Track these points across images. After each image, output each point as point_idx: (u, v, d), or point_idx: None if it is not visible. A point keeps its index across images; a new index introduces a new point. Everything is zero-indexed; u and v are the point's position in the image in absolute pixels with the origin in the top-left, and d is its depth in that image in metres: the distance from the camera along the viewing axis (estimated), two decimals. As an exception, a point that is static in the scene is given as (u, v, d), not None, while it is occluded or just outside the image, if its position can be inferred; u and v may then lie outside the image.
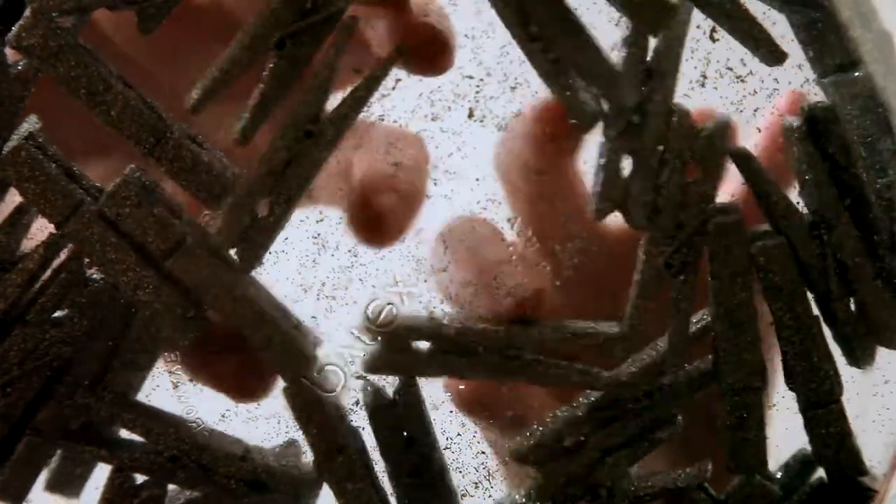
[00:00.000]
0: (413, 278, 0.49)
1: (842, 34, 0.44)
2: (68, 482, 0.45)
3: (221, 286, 0.42)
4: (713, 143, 0.44)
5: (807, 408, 0.45)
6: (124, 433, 0.45)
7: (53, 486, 0.45)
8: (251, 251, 0.43)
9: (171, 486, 0.45)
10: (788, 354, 0.44)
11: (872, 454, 0.48)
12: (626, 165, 0.45)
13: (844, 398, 0.47)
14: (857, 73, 0.45)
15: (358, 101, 0.44)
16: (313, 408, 0.44)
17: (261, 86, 0.42)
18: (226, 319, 0.43)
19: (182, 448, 0.44)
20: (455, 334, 0.45)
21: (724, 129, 0.44)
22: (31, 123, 0.43)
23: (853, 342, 0.45)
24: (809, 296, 0.45)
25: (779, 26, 0.45)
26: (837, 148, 0.44)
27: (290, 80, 0.42)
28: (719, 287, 0.44)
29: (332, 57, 0.43)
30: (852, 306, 0.45)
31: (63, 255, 0.43)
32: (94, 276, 0.44)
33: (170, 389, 0.47)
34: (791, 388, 0.45)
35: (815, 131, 0.44)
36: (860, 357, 0.45)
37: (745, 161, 0.44)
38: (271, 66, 0.42)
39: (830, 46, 0.45)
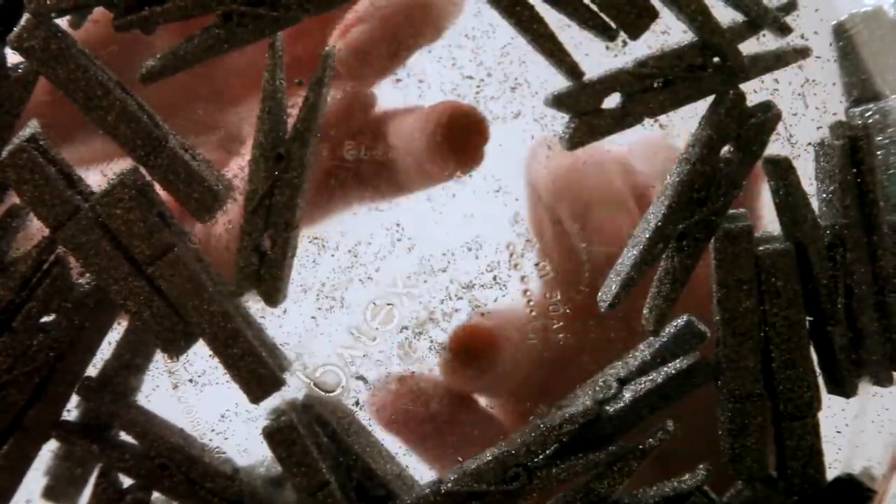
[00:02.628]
0: (413, 279, 0.49)
1: (882, 66, 0.45)
2: (65, 490, 0.46)
3: (200, 299, 0.43)
4: (762, 132, 0.44)
5: (781, 418, 0.45)
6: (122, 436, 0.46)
7: (50, 494, 0.46)
8: (272, 287, 0.44)
9: (156, 494, 0.45)
10: (775, 361, 0.44)
11: (872, 454, 0.48)
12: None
13: (844, 399, 0.47)
14: (892, 104, 0.45)
15: (312, 109, 0.43)
16: (293, 446, 0.44)
17: (187, 39, 0.42)
18: (200, 333, 0.43)
19: (174, 458, 0.44)
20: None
21: (775, 121, 0.44)
22: (33, 126, 0.43)
23: (842, 370, 0.45)
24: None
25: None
26: (864, 172, 0.44)
27: (215, 51, 0.42)
28: (725, 294, 0.44)
29: (272, 79, 0.43)
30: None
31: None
32: (80, 280, 0.44)
33: (169, 390, 0.48)
34: (769, 396, 0.45)
35: (854, 152, 0.44)
36: (845, 386, 0.45)
37: (782, 170, 0.44)
38: (208, 26, 0.42)
39: (869, 76, 0.45)
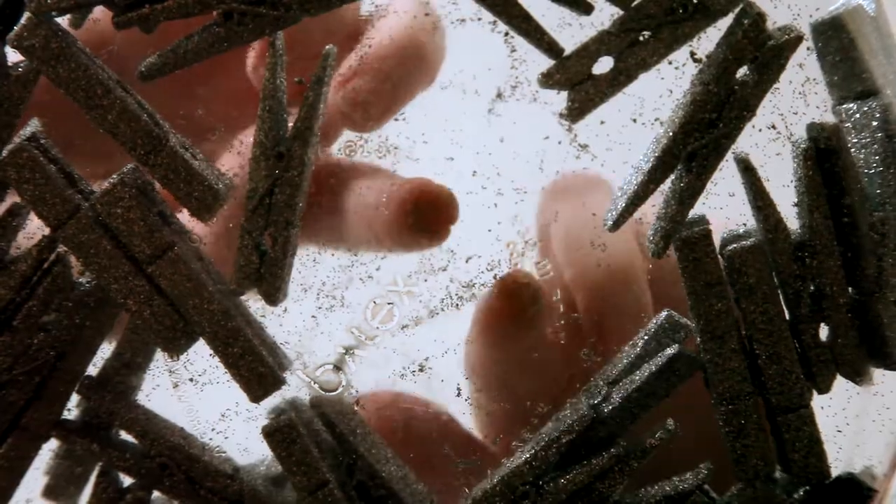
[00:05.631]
0: (413, 278, 0.49)
1: (863, 64, 0.44)
2: (65, 490, 0.46)
3: (200, 298, 0.43)
4: (780, 55, 0.43)
5: (776, 412, 0.45)
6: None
7: (50, 493, 0.46)
8: (272, 286, 0.44)
9: (156, 493, 0.45)
10: (760, 357, 0.44)
11: (872, 454, 0.48)
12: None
13: (845, 398, 0.47)
14: (873, 103, 0.44)
15: (312, 108, 0.43)
16: (293, 445, 0.44)
17: (187, 37, 0.42)
18: (200, 332, 0.43)
19: (174, 457, 0.44)
20: None
21: (794, 43, 0.43)
22: (33, 125, 0.43)
23: (814, 367, 0.45)
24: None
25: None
26: (838, 172, 0.44)
27: (215, 50, 0.42)
28: (696, 300, 0.44)
29: (272, 77, 0.43)
30: (822, 333, 0.45)
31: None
32: (81, 279, 0.44)
33: (170, 389, 0.48)
34: (759, 392, 0.45)
35: (821, 153, 0.44)
36: (819, 383, 0.45)
37: (744, 169, 0.44)
38: (208, 24, 0.42)
39: (851, 74, 0.45)
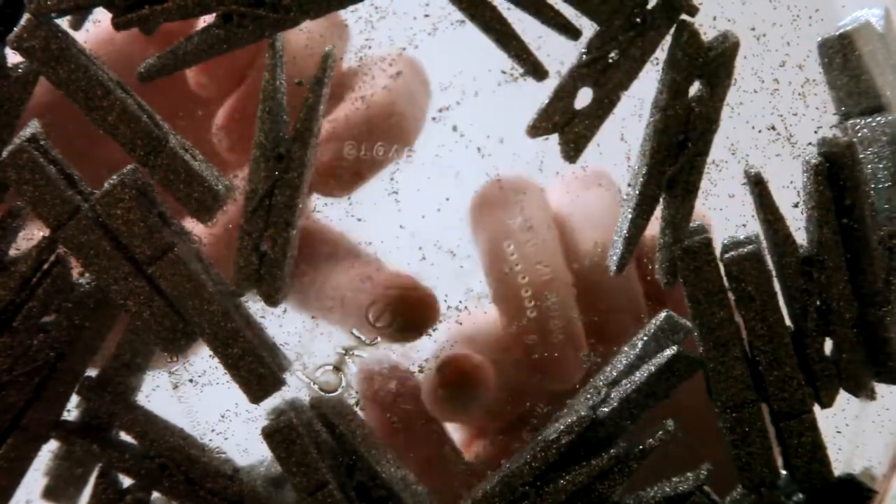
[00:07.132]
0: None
1: (871, 80, 0.44)
2: (65, 490, 0.46)
3: (200, 299, 0.43)
4: (725, 61, 0.43)
5: (779, 418, 0.44)
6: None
7: (50, 494, 0.46)
8: (272, 287, 0.44)
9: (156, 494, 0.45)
10: (761, 364, 0.44)
11: (872, 454, 0.48)
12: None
13: (845, 399, 0.47)
14: (881, 119, 0.44)
15: (312, 109, 0.43)
16: (292, 445, 0.44)
17: (186, 38, 0.42)
18: (200, 333, 0.43)
19: (174, 458, 0.44)
20: None
21: (734, 48, 0.43)
22: (33, 126, 0.43)
23: (818, 381, 0.45)
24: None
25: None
26: (849, 188, 0.44)
27: (215, 51, 0.42)
28: (697, 309, 0.44)
29: (272, 79, 0.43)
30: (827, 347, 0.45)
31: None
32: (81, 280, 0.44)
33: (169, 390, 0.48)
34: (762, 398, 0.45)
35: (832, 168, 0.44)
36: (822, 397, 0.45)
37: (752, 183, 0.44)
38: (207, 26, 0.42)
39: (858, 90, 0.45)
